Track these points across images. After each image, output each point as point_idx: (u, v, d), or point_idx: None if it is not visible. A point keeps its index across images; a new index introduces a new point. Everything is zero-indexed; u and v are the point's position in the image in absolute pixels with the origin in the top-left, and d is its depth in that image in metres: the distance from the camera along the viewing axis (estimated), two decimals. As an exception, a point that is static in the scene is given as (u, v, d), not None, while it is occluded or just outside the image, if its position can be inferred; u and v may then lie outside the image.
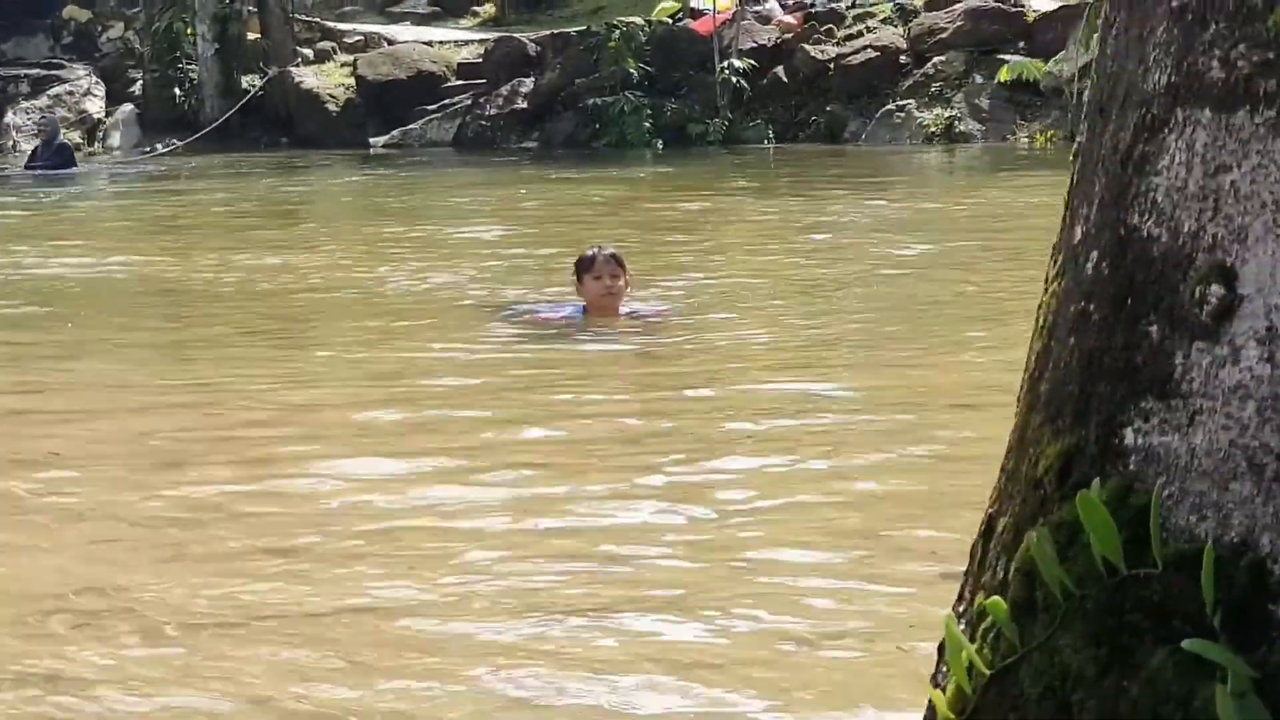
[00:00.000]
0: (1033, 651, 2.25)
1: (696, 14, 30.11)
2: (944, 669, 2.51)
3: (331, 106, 31.16)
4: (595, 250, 11.02)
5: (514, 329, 11.07)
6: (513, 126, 29.66)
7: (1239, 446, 2.14)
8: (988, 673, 2.29)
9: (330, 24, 34.84)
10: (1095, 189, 2.42)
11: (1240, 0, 2.24)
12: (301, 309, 12.70)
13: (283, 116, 31.70)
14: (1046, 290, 2.59)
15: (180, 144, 30.60)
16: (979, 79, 27.06)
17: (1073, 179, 2.62)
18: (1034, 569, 2.26)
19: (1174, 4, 2.34)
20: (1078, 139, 2.66)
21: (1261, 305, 2.14)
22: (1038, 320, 2.58)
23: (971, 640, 2.35)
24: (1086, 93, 2.67)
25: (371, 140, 30.07)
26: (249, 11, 33.36)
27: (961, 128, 26.62)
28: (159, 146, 30.56)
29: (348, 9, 37.51)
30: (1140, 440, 2.23)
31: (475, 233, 17.31)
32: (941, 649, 2.60)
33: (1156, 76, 2.33)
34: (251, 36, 33.31)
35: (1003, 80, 26.45)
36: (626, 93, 28.46)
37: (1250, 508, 2.12)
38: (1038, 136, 26.02)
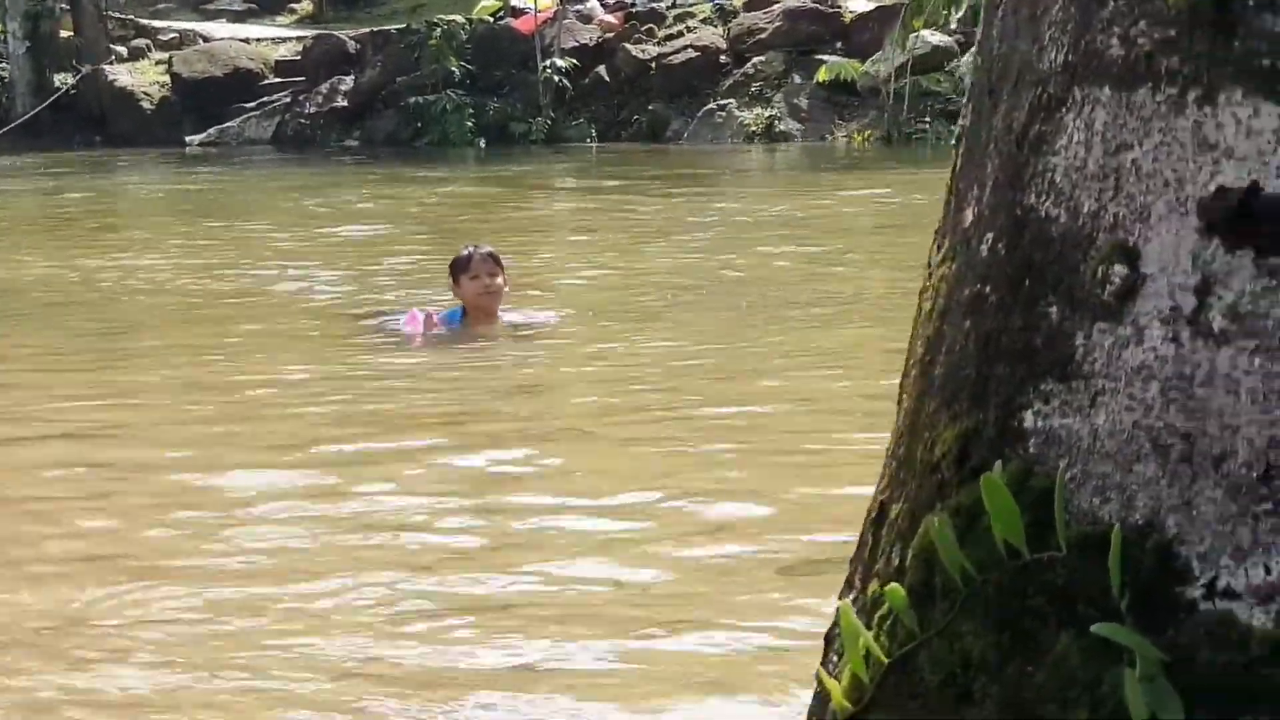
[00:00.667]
0: (932, 638, 2.21)
1: (518, 13, 30.02)
2: (834, 658, 2.47)
3: (146, 105, 30.70)
4: (470, 249, 10.66)
5: (381, 340, 10.62)
6: (333, 125, 29.41)
7: (1143, 428, 2.11)
8: (886, 661, 2.25)
9: (144, 21, 34.33)
10: (987, 171, 2.38)
11: (1138, -23, 2.21)
12: (121, 315, 12.39)
13: (96, 115, 31.16)
14: (932, 275, 2.56)
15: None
16: (798, 79, 27.21)
17: (956, 163, 2.59)
18: (932, 555, 2.22)
19: (1069, -17, 2.31)
20: (960, 123, 2.63)
21: (1165, 284, 2.11)
22: (924, 306, 2.55)
23: (867, 628, 2.31)
24: (969, 77, 2.64)
25: (188, 139, 29.68)
26: (61, 9, 32.79)
27: (781, 127, 26.76)
28: (-33, 145, 29.96)
29: (161, 6, 37.01)
30: (1040, 423, 2.20)
31: (310, 234, 17.04)
32: (829, 637, 2.56)
33: (1053, 55, 2.30)
34: (64, 34, 32.74)
35: (821, 80, 26.63)
36: (448, 91, 28.31)
37: (1155, 489, 2.09)
38: (855, 136, 26.21)
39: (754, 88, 27.44)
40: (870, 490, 2.55)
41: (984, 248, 2.34)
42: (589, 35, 29.01)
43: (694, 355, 9.77)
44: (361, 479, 7.07)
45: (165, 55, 31.63)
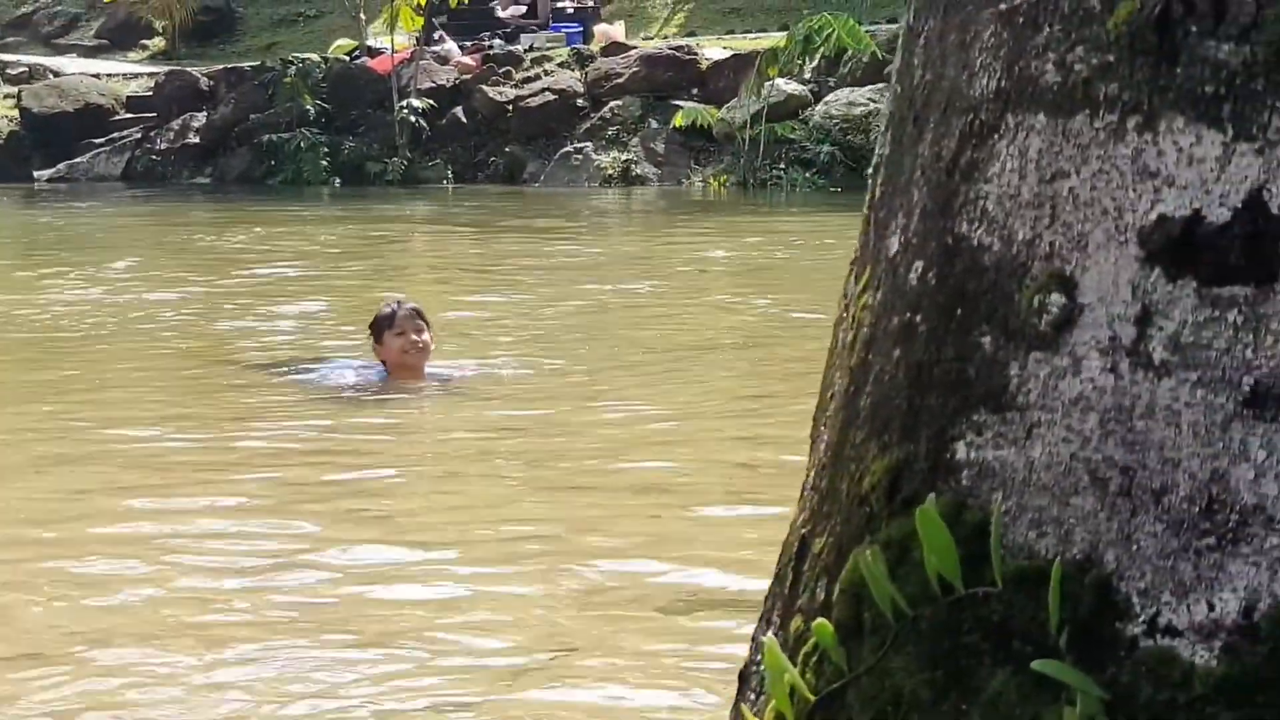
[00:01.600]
0: (861, 676, 2.15)
1: (374, 52, 29.92)
2: (751, 695, 2.40)
3: (-6, 139, 30.28)
4: (394, 306, 10.02)
5: (303, 395, 9.99)
6: (185, 161, 29.15)
7: (1080, 460, 2.06)
8: (812, 698, 2.18)
9: (-8, 54, 33.90)
10: (914, 199, 2.33)
11: (1077, 2, 2.17)
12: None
13: (-57, 148, 30.68)
14: (850, 305, 2.51)
15: None
16: (654, 124, 27.29)
17: (874, 193, 2.53)
18: (861, 589, 2.16)
19: (1002, 7, 2.26)
20: (878, 152, 2.57)
21: (1104, 314, 2.07)
22: (841, 337, 2.49)
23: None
24: (885, 106, 2.59)
25: (36, 174, 29.30)
26: (-93, 39, 32.32)
27: (638, 171, 26.81)
28: None
29: (10, 40, 36.57)
30: (974, 454, 2.14)
31: (173, 273, 16.71)
32: (744, 675, 2.50)
33: (984, 82, 2.25)
34: (-90, 65, 32.27)
35: (677, 126, 26.68)
36: (303, 129, 28.13)
37: (1094, 523, 2.04)
38: (711, 181, 26.29)
39: (611, 131, 27.48)
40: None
41: (913, 276, 2.28)
42: (446, 76, 28.94)
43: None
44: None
45: (14, 89, 31.21)
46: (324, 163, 27.90)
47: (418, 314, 9.97)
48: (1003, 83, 2.23)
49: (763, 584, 2.52)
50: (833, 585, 2.25)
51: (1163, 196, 2.06)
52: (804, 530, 2.40)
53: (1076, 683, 1.96)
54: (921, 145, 2.34)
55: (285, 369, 10.60)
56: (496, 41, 30.23)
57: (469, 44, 30.23)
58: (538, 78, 28.61)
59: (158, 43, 35.90)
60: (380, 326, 9.91)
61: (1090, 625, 2.01)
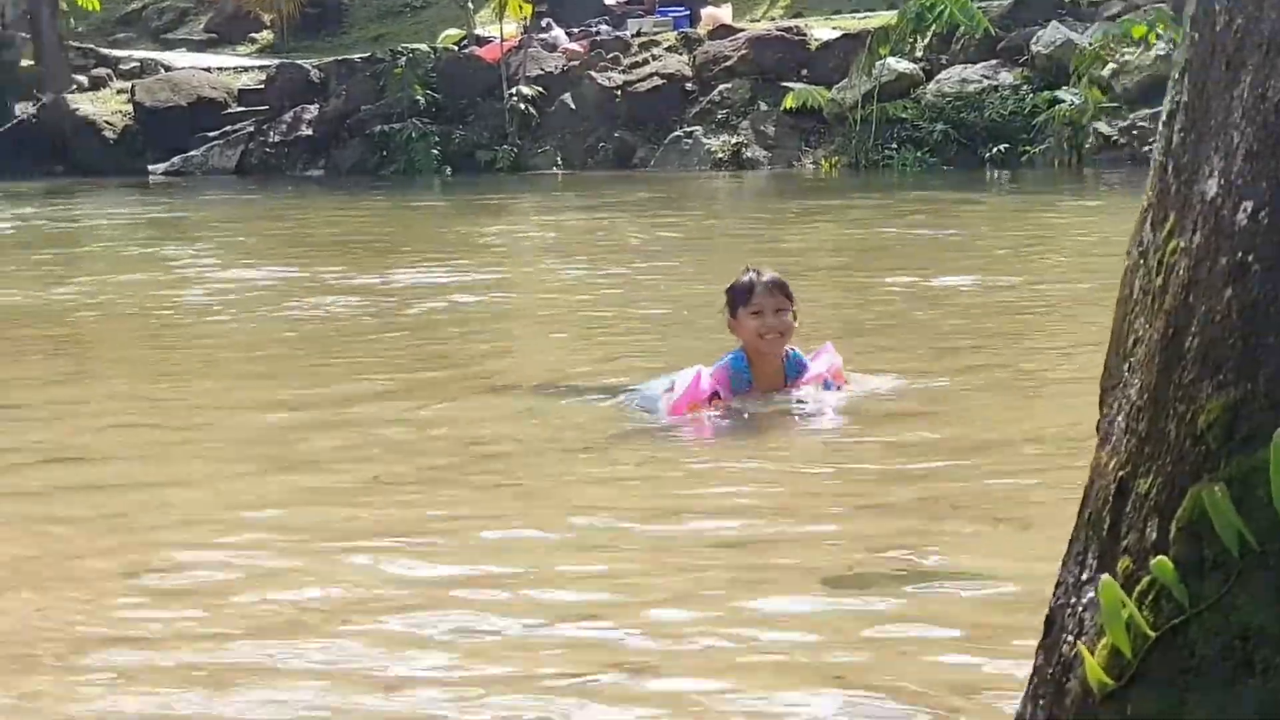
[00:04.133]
0: (1204, 610, 2.17)
1: (482, 41, 30.02)
2: (1069, 636, 2.43)
3: (109, 134, 30.56)
4: (753, 276, 8.36)
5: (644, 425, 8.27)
6: (298, 154, 29.32)
7: None
8: (1152, 634, 2.21)
9: (105, 50, 34.22)
10: (1234, 141, 2.35)
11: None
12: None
13: (58, 144, 30.95)
14: (1149, 252, 2.53)
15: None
16: (764, 106, 27.23)
17: (1170, 140, 2.56)
18: (1200, 526, 2.19)
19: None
20: (1172, 100, 2.59)
21: None
22: (1144, 283, 2.51)
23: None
24: (1178, 55, 2.61)
25: (151, 168, 29.55)
26: (22, 38, 32.64)
27: (749, 154, 26.78)
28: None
29: (121, 36, 36.93)
30: (1315, 390, 2.17)
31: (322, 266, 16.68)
32: (1050, 618, 2.53)
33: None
34: (25, 63, 32.59)
35: (787, 107, 26.64)
36: (413, 120, 28.27)
37: None
38: (823, 162, 26.24)
39: (720, 115, 27.46)
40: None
41: (1241, 217, 2.31)
42: (554, 63, 28.99)
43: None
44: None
45: (127, 84, 31.49)
46: (435, 152, 28.03)
47: (779, 288, 8.34)
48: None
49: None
50: (1165, 524, 2.28)
51: None
52: (1121, 473, 2.42)
53: None
54: (1239, 88, 2.36)
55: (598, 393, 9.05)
56: (604, 27, 30.29)
57: (576, 30, 30.30)
58: (646, 63, 28.62)
59: (266, 36, 36.17)
60: (736, 300, 8.34)
61: None
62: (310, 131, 29.39)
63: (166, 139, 29.80)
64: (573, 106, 28.38)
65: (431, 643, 5.06)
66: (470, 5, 30.53)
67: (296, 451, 7.91)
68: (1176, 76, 2.58)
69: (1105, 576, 2.30)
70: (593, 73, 28.47)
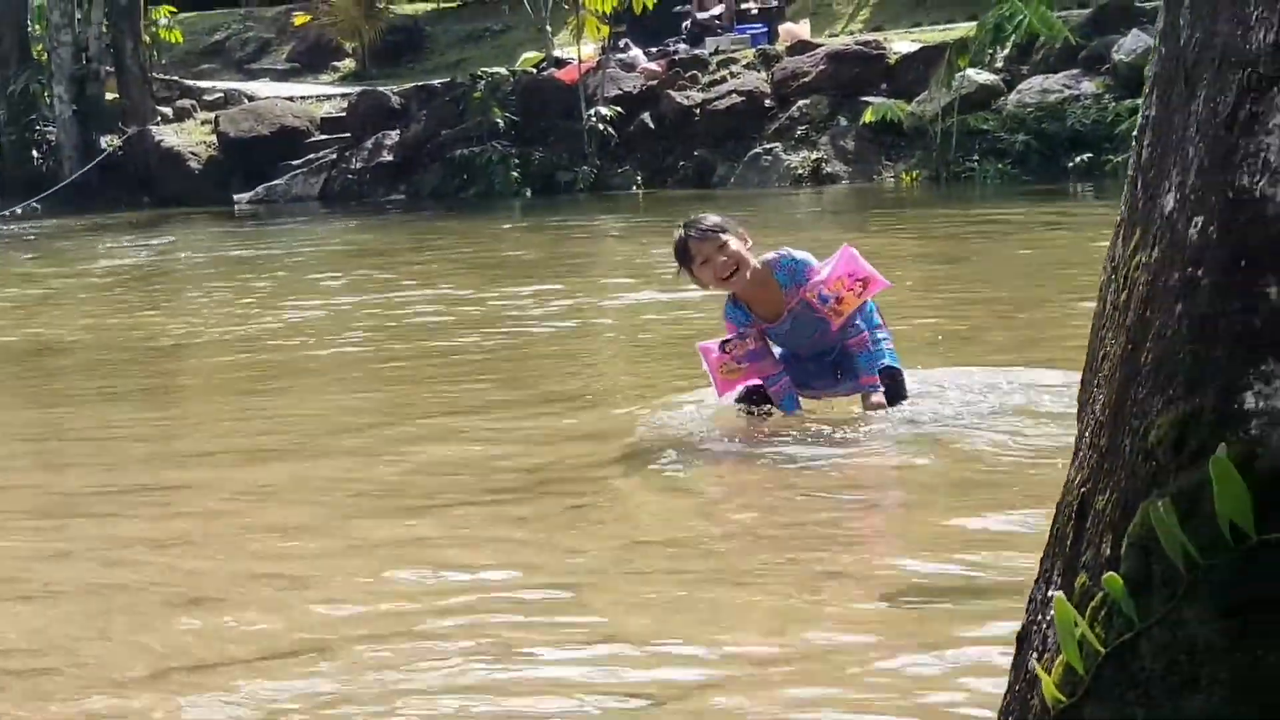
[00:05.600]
0: (1153, 626, 2.17)
1: (561, 63, 30.12)
2: (1033, 654, 2.43)
3: (194, 164, 30.86)
4: (681, 233, 8.36)
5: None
6: (380, 179, 29.50)
7: (1373, 404, 2.08)
8: (1103, 650, 2.21)
9: (189, 82, 34.55)
10: (1189, 156, 2.35)
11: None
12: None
13: (144, 176, 31.31)
14: (1118, 267, 2.53)
15: (38, 206, 30.16)
16: (843, 121, 27.18)
17: (1140, 154, 2.56)
18: (1149, 542, 2.19)
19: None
20: (1143, 114, 2.60)
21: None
22: (1115, 297, 2.51)
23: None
24: (1148, 68, 2.61)
25: (236, 197, 29.80)
26: (106, 72, 33.00)
27: (829, 169, 26.72)
28: (17, 210, 30.01)
29: (205, 67, 37.26)
30: (1262, 404, 2.16)
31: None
32: (1022, 635, 2.53)
33: (1261, 35, 2.27)
34: (110, 96, 32.95)
35: (867, 122, 26.57)
36: (493, 142, 28.40)
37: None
38: (904, 176, 26.16)
39: (799, 131, 27.42)
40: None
41: (1193, 232, 2.30)
42: (632, 83, 29.05)
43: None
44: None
45: (211, 115, 31.80)
46: (515, 174, 28.14)
47: (710, 231, 8.33)
48: None
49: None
50: (1119, 540, 2.27)
51: None
52: (1084, 489, 2.42)
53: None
54: (1195, 103, 2.36)
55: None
56: (681, 46, 30.33)
57: (654, 50, 30.36)
58: (724, 80, 28.63)
59: (348, 64, 36.41)
60: (682, 262, 8.41)
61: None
62: (391, 157, 29.57)
63: (251, 168, 30.07)
64: (651, 126, 28.43)
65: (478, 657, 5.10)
66: (549, 28, 30.62)
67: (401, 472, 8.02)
68: (1146, 91, 2.57)
69: (1058, 594, 2.31)
70: (671, 91, 28.51)
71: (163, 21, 34.93)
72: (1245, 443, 2.16)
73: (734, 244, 8.32)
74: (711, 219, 8.44)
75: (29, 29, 33.94)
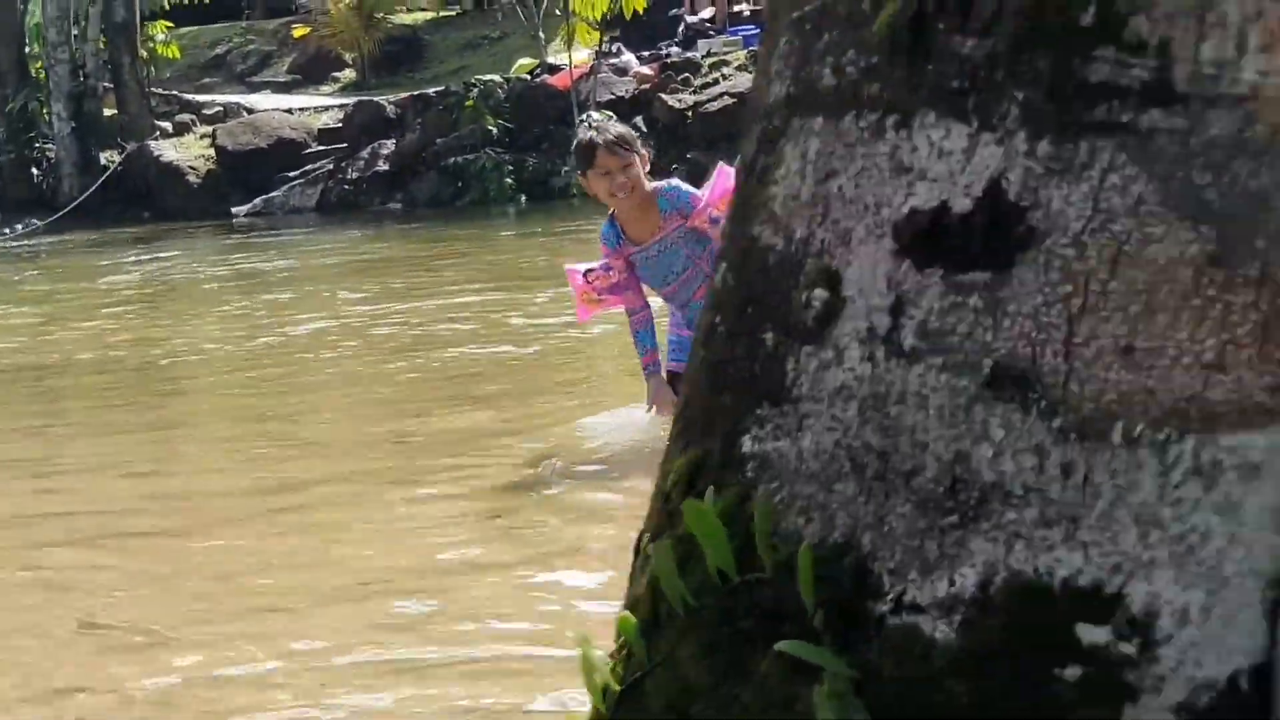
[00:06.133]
0: (657, 666, 2.24)
1: (553, 69, 30.19)
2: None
3: (193, 178, 31.00)
4: (592, 135, 8.38)
5: None
6: (375, 189, 29.61)
7: (843, 447, 2.14)
8: (618, 689, 2.28)
9: (188, 96, 34.69)
10: (734, 205, 2.43)
11: (851, 6, 2.25)
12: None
13: (143, 191, 31.46)
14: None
15: (40, 223, 30.31)
16: (837, 122, 27.17)
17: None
18: (659, 583, 2.26)
19: (794, 16, 2.35)
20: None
21: (863, 306, 2.14)
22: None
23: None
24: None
25: (234, 210, 29.92)
26: (104, 88, 33.15)
27: (824, 170, 26.72)
28: (18, 227, 30.16)
29: (207, 81, 37.40)
30: (756, 447, 2.23)
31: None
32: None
33: (777, 89, 2.34)
34: (108, 112, 33.10)
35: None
36: (487, 150, 28.48)
37: (853, 507, 2.12)
38: (896, 176, 26.16)
39: (792, 132, 27.43)
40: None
41: (719, 278, 2.38)
42: (625, 88, 29.12)
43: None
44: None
45: (209, 129, 31.92)
46: (509, 180, 28.23)
47: (620, 144, 8.33)
48: (791, 89, 2.32)
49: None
50: (645, 580, 2.35)
51: (915, 190, 2.13)
52: (643, 528, 2.50)
53: (824, 662, 2.03)
54: (741, 153, 2.44)
55: None
56: (674, 50, 30.38)
57: (646, 54, 30.41)
58: (716, 82, 28.69)
59: (348, 75, 36.51)
60: (581, 161, 8.48)
61: (848, 606, 2.09)
62: (387, 166, 29.68)
63: (249, 181, 30.21)
64: (644, 129, 28.46)
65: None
66: (541, 35, 30.70)
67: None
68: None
69: (575, 633, 2.38)
70: (663, 95, 28.56)
71: (160, 37, 35.05)
72: (742, 485, 2.23)
73: (636, 167, 8.40)
74: (619, 128, 8.65)
75: (26, 47, 34.11)
